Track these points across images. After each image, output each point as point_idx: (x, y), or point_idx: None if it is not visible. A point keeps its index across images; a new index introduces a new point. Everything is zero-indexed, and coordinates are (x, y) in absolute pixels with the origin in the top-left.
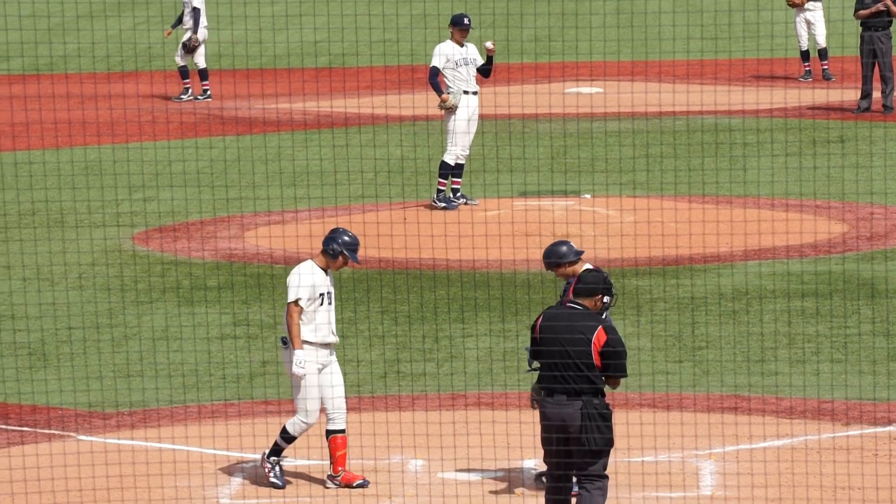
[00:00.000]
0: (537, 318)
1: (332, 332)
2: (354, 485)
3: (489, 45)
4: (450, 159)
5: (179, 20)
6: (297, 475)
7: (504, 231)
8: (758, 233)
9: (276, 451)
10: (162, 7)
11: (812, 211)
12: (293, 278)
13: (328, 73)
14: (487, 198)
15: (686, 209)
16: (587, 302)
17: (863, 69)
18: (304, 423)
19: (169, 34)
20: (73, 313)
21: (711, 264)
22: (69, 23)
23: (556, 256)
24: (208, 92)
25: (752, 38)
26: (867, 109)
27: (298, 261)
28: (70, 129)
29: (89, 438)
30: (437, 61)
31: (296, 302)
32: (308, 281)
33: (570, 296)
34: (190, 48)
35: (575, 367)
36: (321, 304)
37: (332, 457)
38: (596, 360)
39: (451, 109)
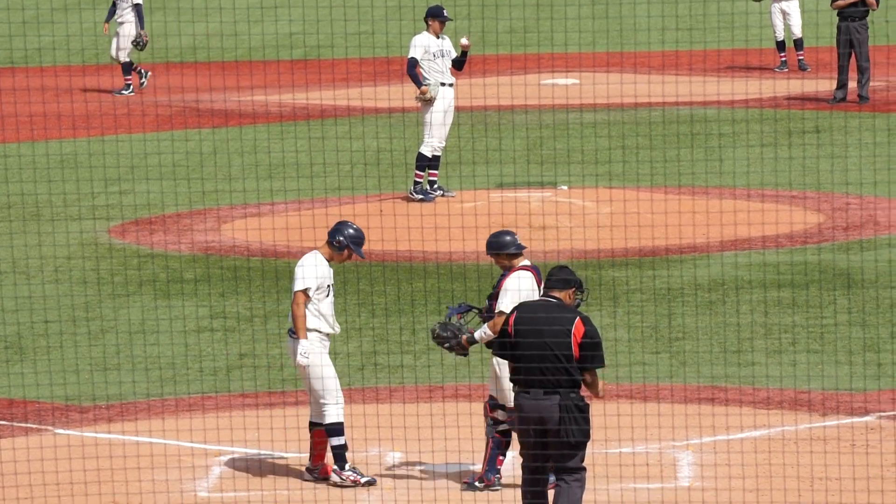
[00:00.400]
0: (511, 313)
1: (336, 323)
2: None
3: (465, 41)
4: (427, 151)
5: (112, 13)
6: (275, 468)
7: (481, 223)
8: (734, 223)
9: (341, 454)
10: None
11: (788, 201)
12: (307, 269)
13: (304, 66)
14: (464, 189)
15: (662, 200)
16: (561, 294)
17: (839, 59)
18: (337, 405)
19: (107, 30)
20: (49, 307)
21: (688, 255)
22: (44, 15)
23: (497, 246)
24: (132, 87)
25: (726, 29)
26: (843, 100)
27: (276, 253)
28: (45, 122)
29: (67, 432)
30: (415, 52)
31: (304, 291)
32: (317, 272)
33: (496, 289)
34: (143, 45)
35: (554, 359)
36: (326, 296)
37: (314, 449)
38: (575, 351)
39: (429, 101)
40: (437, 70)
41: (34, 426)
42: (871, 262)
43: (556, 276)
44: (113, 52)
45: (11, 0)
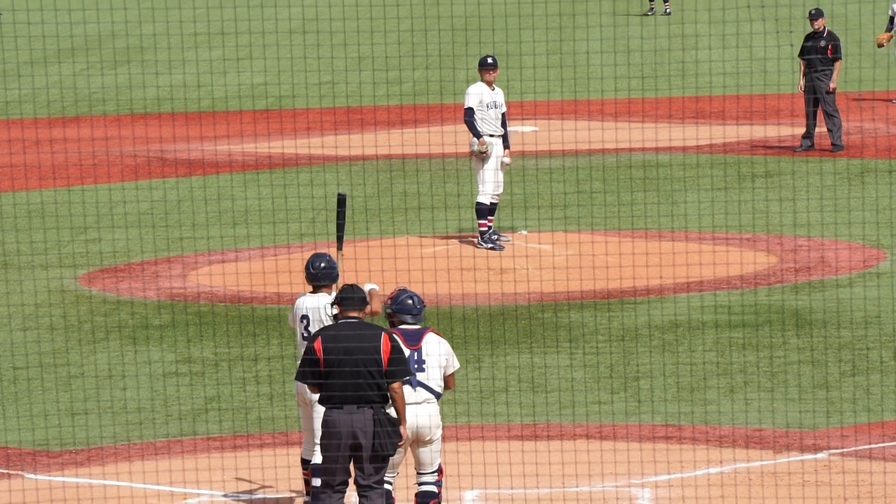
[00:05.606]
0: (315, 339)
1: None
2: None
3: (507, 160)
4: (485, 199)
5: None
6: None
7: (440, 266)
8: (686, 264)
9: (318, 495)
10: (101, 53)
11: (741, 244)
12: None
13: (266, 116)
14: (423, 235)
15: (620, 243)
16: (360, 314)
17: (806, 106)
18: None
19: None
20: (19, 353)
21: (645, 297)
22: (13, 69)
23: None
24: None
25: (678, 77)
26: (810, 147)
27: (241, 298)
28: (12, 172)
29: (37, 477)
30: (471, 101)
31: None
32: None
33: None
34: None
35: (368, 375)
36: None
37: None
38: (385, 365)
39: (483, 155)
40: (489, 121)
41: (4, 471)
42: (821, 303)
43: (351, 296)
44: None
45: None
